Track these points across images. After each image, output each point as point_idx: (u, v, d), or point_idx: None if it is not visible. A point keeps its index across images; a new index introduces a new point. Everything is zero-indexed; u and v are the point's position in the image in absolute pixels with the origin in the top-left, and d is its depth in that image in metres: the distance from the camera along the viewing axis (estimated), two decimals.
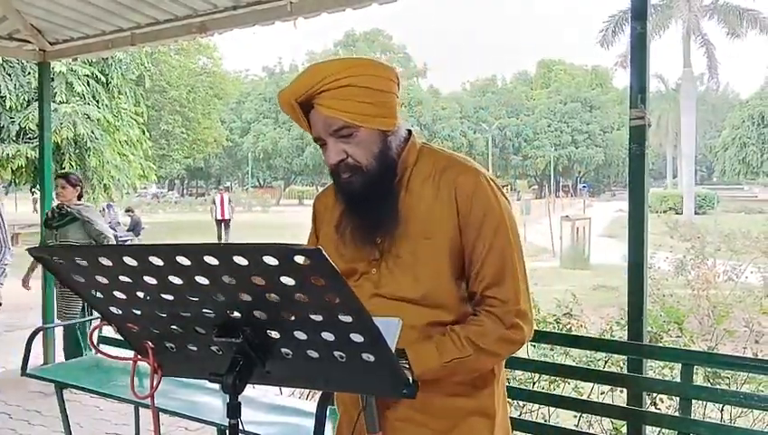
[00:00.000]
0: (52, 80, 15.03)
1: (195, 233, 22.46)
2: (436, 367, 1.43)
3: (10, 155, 15.43)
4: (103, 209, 16.74)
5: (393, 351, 1.24)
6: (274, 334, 1.19)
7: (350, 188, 1.51)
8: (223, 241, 18.57)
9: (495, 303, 1.48)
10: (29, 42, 5.42)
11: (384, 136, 1.50)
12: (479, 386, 1.54)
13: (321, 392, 1.78)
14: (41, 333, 4.66)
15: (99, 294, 1.23)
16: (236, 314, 1.17)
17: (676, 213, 26.73)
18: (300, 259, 1.02)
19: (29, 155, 15.06)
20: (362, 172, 1.49)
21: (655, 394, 3.26)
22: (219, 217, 19.70)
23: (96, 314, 1.31)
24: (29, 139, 15.24)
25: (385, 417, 1.49)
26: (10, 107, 15.10)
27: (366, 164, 1.49)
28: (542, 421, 3.38)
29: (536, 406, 3.49)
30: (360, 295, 1.44)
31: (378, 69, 1.50)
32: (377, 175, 1.49)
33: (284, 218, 29.74)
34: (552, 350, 3.78)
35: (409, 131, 1.59)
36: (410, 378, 1.24)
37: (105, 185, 17.19)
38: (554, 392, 3.43)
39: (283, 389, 3.29)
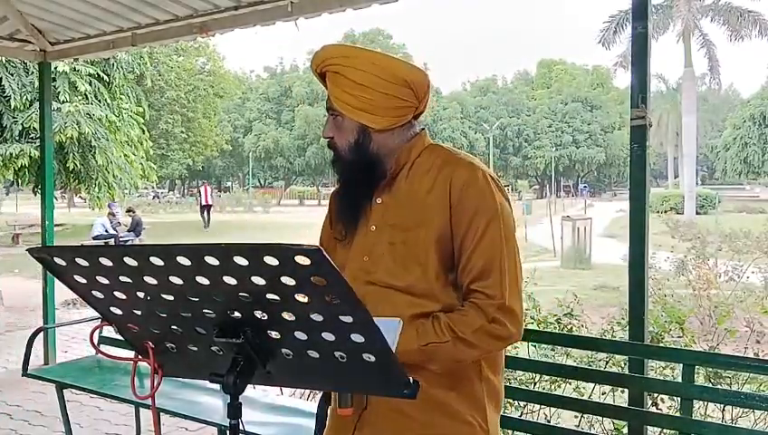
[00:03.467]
0: (54, 80, 15.05)
1: (196, 233, 22.46)
2: (414, 349, 1.44)
3: (13, 154, 15.44)
4: (108, 209, 16.76)
5: (394, 351, 1.24)
6: (275, 335, 1.19)
7: (335, 167, 1.65)
8: (206, 221, 24.58)
9: (480, 296, 1.48)
10: (30, 42, 5.43)
11: (364, 130, 1.57)
12: (461, 385, 1.53)
13: (321, 392, 1.77)
14: (41, 333, 4.67)
15: (99, 295, 1.23)
16: (237, 314, 1.17)
17: (677, 213, 26.69)
18: (300, 259, 1.02)
19: (32, 154, 15.06)
20: (340, 156, 1.61)
21: (656, 394, 3.25)
22: (204, 204, 25.13)
23: (96, 314, 1.30)
24: (32, 138, 15.23)
25: (377, 402, 1.50)
26: (14, 107, 15.10)
27: (341, 150, 1.60)
28: (544, 422, 3.38)
29: (537, 406, 3.48)
30: (355, 284, 1.47)
31: (374, 67, 1.54)
32: (351, 165, 1.59)
33: (285, 219, 29.73)
34: (553, 350, 3.77)
35: (422, 129, 1.65)
36: (411, 378, 1.24)
37: (108, 184, 17.20)
38: (555, 393, 3.43)
39: (283, 389, 3.29)
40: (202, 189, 25.87)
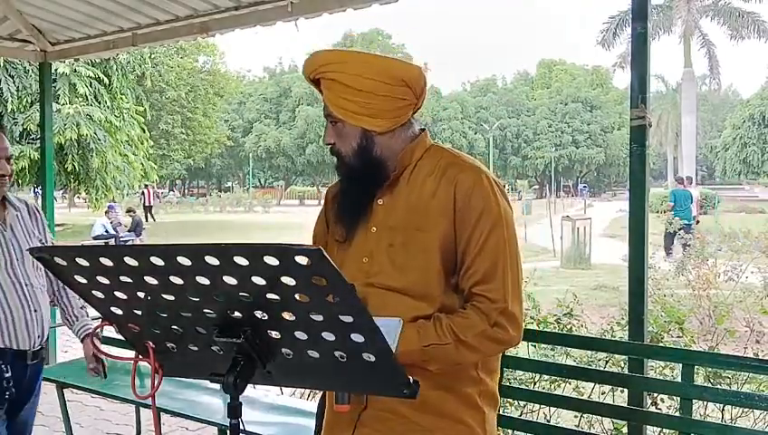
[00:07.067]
0: (55, 81, 15.05)
1: (195, 233, 22.45)
2: (416, 349, 1.44)
3: (13, 156, 15.42)
4: (108, 210, 16.77)
5: (394, 351, 1.24)
6: (275, 334, 1.19)
7: (339, 172, 1.64)
8: (150, 221, 26.17)
9: (483, 300, 1.48)
10: (30, 42, 5.42)
11: (367, 134, 1.56)
12: (456, 386, 1.53)
13: (321, 392, 1.77)
14: None
15: (100, 295, 1.23)
16: (237, 314, 1.17)
17: None
18: (300, 259, 1.02)
19: (32, 156, 15.06)
20: (344, 162, 1.59)
21: (656, 394, 3.25)
22: (147, 204, 28.06)
23: (97, 314, 1.31)
24: (32, 140, 15.24)
25: (374, 403, 1.50)
26: (12, 109, 15.11)
27: (344, 155, 1.58)
28: (544, 422, 3.38)
29: (537, 406, 3.48)
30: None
31: (370, 70, 1.52)
32: (355, 169, 1.58)
33: (286, 219, 29.71)
34: (552, 350, 3.77)
35: (422, 130, 1.63)
36: (411, 378, 1.24)
37: (107, 186, 17.21)
38: (555, 392, 3.43)
39: (283, 389, 3.29)
40: (146, 191, 28.36)
